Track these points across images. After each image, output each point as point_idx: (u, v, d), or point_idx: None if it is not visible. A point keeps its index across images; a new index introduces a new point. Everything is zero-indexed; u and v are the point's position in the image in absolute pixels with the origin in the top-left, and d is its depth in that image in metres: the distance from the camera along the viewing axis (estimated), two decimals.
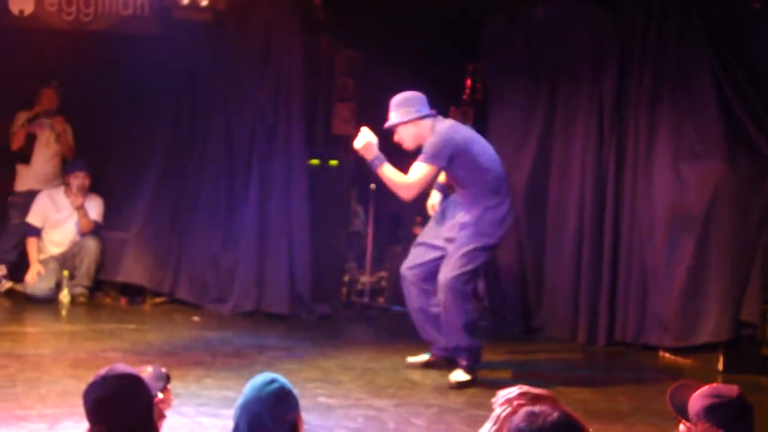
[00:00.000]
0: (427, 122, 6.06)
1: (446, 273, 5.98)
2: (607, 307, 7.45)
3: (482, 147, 6.19)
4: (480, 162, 6.08)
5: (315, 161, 8.49)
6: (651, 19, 7.33)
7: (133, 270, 8.24)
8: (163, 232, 8.30)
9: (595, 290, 7.49)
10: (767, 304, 6.59)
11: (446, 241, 6.14)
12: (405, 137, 6.10)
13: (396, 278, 8.65)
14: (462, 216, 6.08)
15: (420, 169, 5.97)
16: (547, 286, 7.84)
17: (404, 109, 6.06)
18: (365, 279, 8.63)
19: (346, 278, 8.70)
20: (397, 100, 6.11)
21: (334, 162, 8.63)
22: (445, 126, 6.11)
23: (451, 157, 5.98)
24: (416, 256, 6.33)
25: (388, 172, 5.99)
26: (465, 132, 6.22)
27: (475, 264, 6.03)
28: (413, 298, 6.28)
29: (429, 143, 5.98)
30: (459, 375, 6.00)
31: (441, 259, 6.11)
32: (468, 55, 8.87)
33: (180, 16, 7.88)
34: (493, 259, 7.17)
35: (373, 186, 8.43)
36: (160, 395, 3.07)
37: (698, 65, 7.11)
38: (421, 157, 5.99)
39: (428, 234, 6.37)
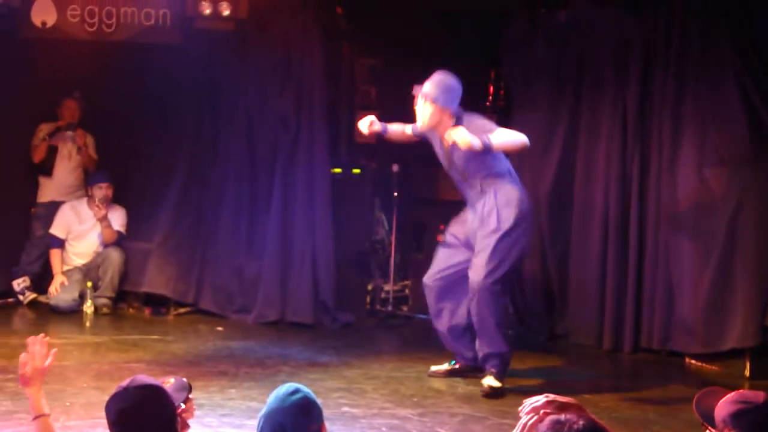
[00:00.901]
0: (453, 119, 6.06)
1: (477, 275, 5.97)
2: (632, 314, 7.40)
3: None
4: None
5: (337, 170, 8.48)
6: (674, 23, 7.28)
7: (156, 280, 8.25)
8: (186, 242, 8.32)
9: (621, 297, 7.44)
10: None
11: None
12: (429, 114, 6.07)
13: (419, 287, 8.66)
14: (483, 205, 6.07)
15: (504, 130, 6.04)
16: (572, 292, 7.80)
17: (449, 96, 6.06)
18: (389, 287, 8.60)
19: (370, 287, 8.68)
20: (446, 81, 6.11)
21: (356, 170, 8.63)
22: (476, 115, 6.23)
23: None
24: (440, 260, 6.33)
25: (498, 139, 5.93)
26: None
27: (509, 258, 6.02)
28: (434, 312, 6.32)
29: (480, 122, 6.05)
30: (492, 380, 5.97)
31: (467, 263, 6.10)
32: (490, 62, 8.85)
33: (202, 25, 7.92)
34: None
35: (396, 194, 8.42)
36: (183, 406, 3.07)
37: (722, 69, 7.05)
38: (492, 130, 5.96)
39: (454, 233, 6.37)
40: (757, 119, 6.92)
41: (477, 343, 6.13)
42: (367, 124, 6.39)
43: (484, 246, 5.99)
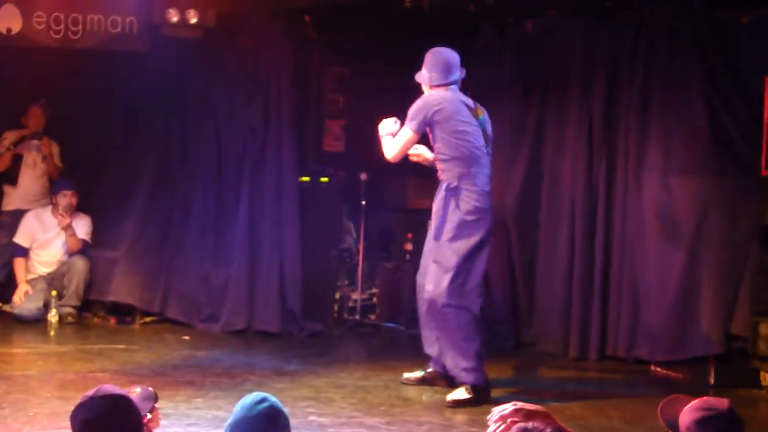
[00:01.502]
0: (436, 90, 6.10)
1: (433, 287, 5.97)
2: (598, 322, 7.44)
3: (465, 118, 6.12)
4: (457, 131, 6.05)
5: (305, 178, 8.48)
6: (641, 32, 7.35)
7: (122, 289, 8.20)
8: (152, 250, 8.27)
9: (587, 305, 7.49)
10: (757, 317, 6.58)
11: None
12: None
13: (387, 295, 8.67)
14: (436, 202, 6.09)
15: (404, 132, 6.08)
16: (538, 300, 7.84)
17: (428, 68, 6.14)
18: (357, 296, 8.61)
19: (338, 295, 8.68)
20: (436, 59, 6.17)
21: (324, 179, 8.63)
22: (437, 92, 6.13)
23: (425, 122, 6.01)
24: (424, 263, 6.33)
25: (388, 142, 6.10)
26: (451, 97, 6.13)
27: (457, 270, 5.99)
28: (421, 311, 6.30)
29: (414, 105, 6.07)
30: (460, 393, 5.96)
31: None
32: None
33: (169, 33, 7.88)
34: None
35: (364, 202, 8.43)
36: (149, 415, 3.04)
37: (687, 79, 7.13)
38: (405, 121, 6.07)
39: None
40: (721, 129, 7.00)
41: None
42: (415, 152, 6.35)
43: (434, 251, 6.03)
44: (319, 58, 9.09)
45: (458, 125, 6.02)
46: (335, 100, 9.38)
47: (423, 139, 6.19)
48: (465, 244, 5.97)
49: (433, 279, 5.99)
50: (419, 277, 6.30)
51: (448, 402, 5.88)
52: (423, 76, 6.17)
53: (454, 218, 5.97)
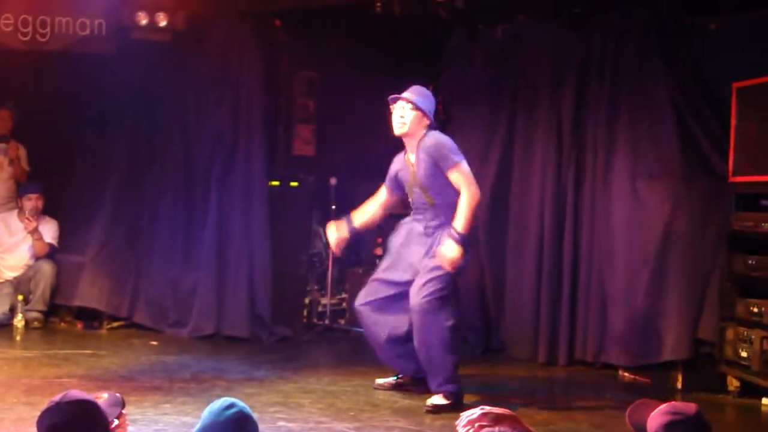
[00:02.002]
0: (426, 128, 6.09)
1: (417, 296, 5.96)
2: (567, 327, 7.48)
3: None
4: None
5: (275, 182, 8.46)
6: (609, 38, 7.41)
7: (89, 294, 8.14)
8: (120, 255, 8.22)
9: (556, 310, 7.52)
10: (724, 322, 6.63)
11: (413, 272, 6.08)
12: (410, 120, 6.06)
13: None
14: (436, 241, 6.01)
15: (464, 168, 5.95)
16: (507, 306, 7.86)
17: (427, 102, 6.11)
18: (326, 301, 8.60)
19: (307, 300, 8.66)
20: (422, 90, 6.18)
21: (294, 183, 8.61)
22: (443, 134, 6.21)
23: None
24: (369, 293, 6.30)
25: (463, 214, 5.87)
26: None
27: (446, 284, 5.97)
28: (370, 333, 6.30)
29: (445, 146, 6.00)
30: (439, 398, 5.94)
31: (397, 296, 6.10)
32: (429, 75, 8.89)
33: (138, 36, 7.84)
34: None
35: (334, 207, 8.42)
36: (116, 421, 3.02)
37: (656, 85, 7.19)
38: (451, 162, 5.93)
39: (385, 270, 6.31)
40: (689, 134, 7.06)
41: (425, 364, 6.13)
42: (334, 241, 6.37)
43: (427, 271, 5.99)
44: (290, 63, 9.07)
45: None
46: (306, 105, 9.37)
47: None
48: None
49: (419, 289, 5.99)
50: (359, 304, 6.29)
51: (428, 407, 5.86)
52: (426, 106, 6.09)
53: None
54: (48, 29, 7.82)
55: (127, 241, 8.23)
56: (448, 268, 5.85)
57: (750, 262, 6.44)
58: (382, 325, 6.20)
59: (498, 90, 7.96)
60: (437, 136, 6.07)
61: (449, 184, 5.98)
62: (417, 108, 6.05)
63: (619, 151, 7.32)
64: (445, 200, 6.00)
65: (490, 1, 7.70)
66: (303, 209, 8.73)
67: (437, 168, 5.97)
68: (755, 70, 6.54)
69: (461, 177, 5.93)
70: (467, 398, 6.04)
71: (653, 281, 7.03)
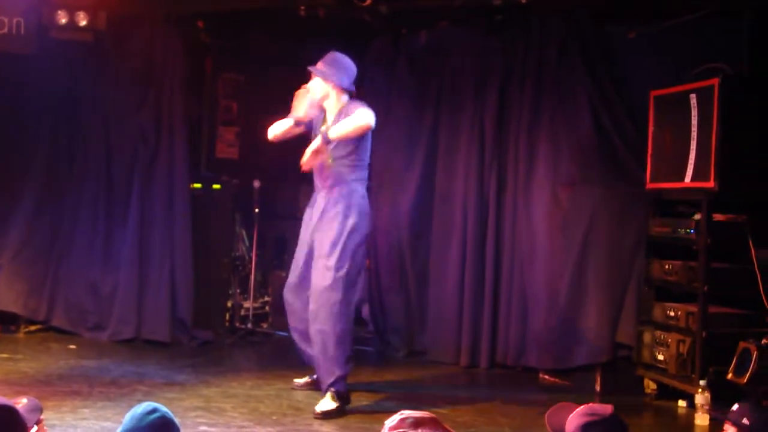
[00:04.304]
0: (344, 96, 6.10)
1: (319, 280, 5.96)
2: (489, 331, 7.56)
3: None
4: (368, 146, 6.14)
5: (198, 185, 8.38)
6: (531, 45, 7.51)
7: (6, 297, 7.97)
8: (39, 257, 8.06)
9: (478, 314, 7.59)
10: (642, 326, 6.77)
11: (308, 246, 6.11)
12: (318, 90, 6.09)
13: (279, 303, 8.62)
14: (328, 203, 6.03)
15: (368, 111, 5.94)
16: (430, 310, 7.91)
17: (340, 73, 6.08)
18: (249, 304, 8.55)
19: (229, 303, 8.60)
20: (338, 59, 6.13)
21: (217, 186, 8.55)
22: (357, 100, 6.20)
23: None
24: (293, 277, 6.28)
25: (344, 125, 5.90)
26: None
27: (353, 262, 5.98)
28: (290, 318, 6.29)
29: (360, 108, 5.98)
30: (328, 403, 5.89)
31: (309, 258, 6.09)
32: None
33: (58, 36, 7.70)
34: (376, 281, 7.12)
35: (257, 210, 8.38)
36: (35, 427, 2.97)
37: (576, 92, 7.31)
38: (363, 109, 5.96)
39: (298, 250, 6.31)
40: (608, 140, 7.19)
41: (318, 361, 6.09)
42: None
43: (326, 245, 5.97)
44: (213, 64, 9.01)
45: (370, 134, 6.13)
46: (229, 107, 9.31)
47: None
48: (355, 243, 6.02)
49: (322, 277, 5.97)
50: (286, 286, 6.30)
51: (317, 414, 5.77)
52: (331, 75, 6.08)
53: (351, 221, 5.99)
54: None
55: (46, 243, 8.07)
56: (306, 158, 5.88)
57: (667, 267, 6.59)
58: (303, 313, 6.16)
59: (421, 95, 8.01)
60: (360, 103, 6.08)
61: (353, 150, 6.00)
62: (333, 85, 6.07)
63: (540, 157, 7.43)
64: (342, 164, 6.01)
65: (413, 7, 7.74)
66: (226, 212, 8.67)
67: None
68: (672, 77, 6.69)
69: (362, 111, 5.94)
70: (390, 402, 6.06)
71: (573, 286, 7.15)
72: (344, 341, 5.97)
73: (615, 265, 7.06)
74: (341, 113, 6.06)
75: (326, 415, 5.78)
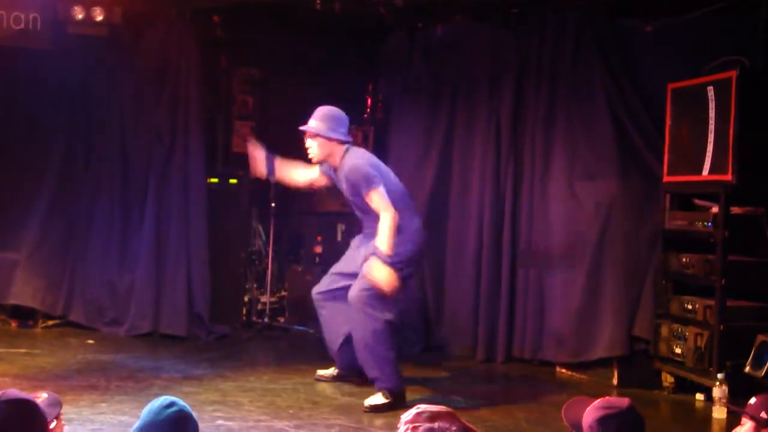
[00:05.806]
0: (343, 148, 6.08)
1: (354, 289, 6.00)
2: (505, 325, 7.55)
3: (386, 170, 6.22)
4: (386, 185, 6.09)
5: (214, 180, 8.40)
6: (546, 40, 7.48)
7: (23, 292, 8.01)
8: (56, 252, 8.09)
9: (494, 308, 7.59)
10: (659, 319, 6.75)
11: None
12: (318, 149, 6.09)
13: (296, 298, 8.65)
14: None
15: (379, 191, 5.91)
16: (447, 304, 7.90)
17: (332, 125, 6.06)
18: (265, 299, 8.56)
19: (246, 298, 8.62)
20: (326, 112, 6.10)
21: (233, 180, 8.56)
22: (362, 151, 6.25)
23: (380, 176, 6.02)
24: (327, 283, 6.39)
25: (383, 235, 5.86)
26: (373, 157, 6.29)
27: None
28: (323, 320, 6.42)
29: (359, 170, 5.95)
30: (377, 398, 5.94)
31: (348, 288, 6.12)
32: (368, 74, 8.91)
33: (74, 31, 7.72)
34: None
35: (273, 204, 8.39)
36: (55, 422, 2.98)
37: (592, 86, 7.28)
38: (365, 190, 5.93)
39: (342, 263, 6.40)
40: (624, 135, 7.16)
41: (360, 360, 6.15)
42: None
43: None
44: (229, 59, 9.02)
45: (391, 174, 6.17)
46: (245, 101, 9.32)
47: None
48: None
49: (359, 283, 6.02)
50: (315, 293, 6.43)
51: (366, 407, 5.86)
52: (327, 130, 6.05)
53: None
54: None
55: (64, 238, 8.11)
56: (385, 291, 5.85)
57: (684, 260, 6.56)
58: (336, 313, 6.26)
59: (437, 89, 8.00)
60: (351, 161, 6.04)
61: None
62: (317, 135, 6.06)
63: (556, 151, 7.41)
64: (373, 218, 6.03)
65: (429, 1, 7.73)
66: (242, 207, 8.70)
67: (357, 188, 6.01)
68: (689, 71, 6.66)
69: (377, 202, 5.93)
70: (408, 396, 6.06)
71: (590, 279, 7.12)
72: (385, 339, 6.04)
73: (632, 259, 7.03)
74: (341, 167, 6.06)
75: (374, 409, 5.83)
